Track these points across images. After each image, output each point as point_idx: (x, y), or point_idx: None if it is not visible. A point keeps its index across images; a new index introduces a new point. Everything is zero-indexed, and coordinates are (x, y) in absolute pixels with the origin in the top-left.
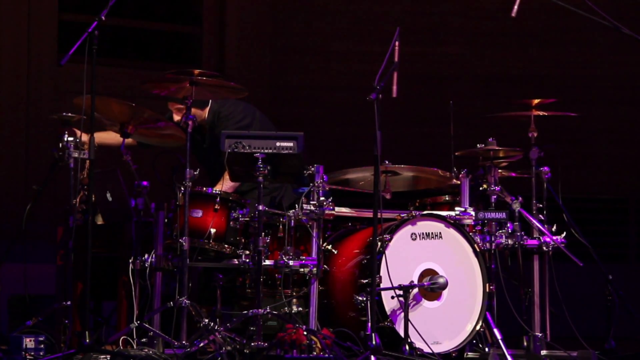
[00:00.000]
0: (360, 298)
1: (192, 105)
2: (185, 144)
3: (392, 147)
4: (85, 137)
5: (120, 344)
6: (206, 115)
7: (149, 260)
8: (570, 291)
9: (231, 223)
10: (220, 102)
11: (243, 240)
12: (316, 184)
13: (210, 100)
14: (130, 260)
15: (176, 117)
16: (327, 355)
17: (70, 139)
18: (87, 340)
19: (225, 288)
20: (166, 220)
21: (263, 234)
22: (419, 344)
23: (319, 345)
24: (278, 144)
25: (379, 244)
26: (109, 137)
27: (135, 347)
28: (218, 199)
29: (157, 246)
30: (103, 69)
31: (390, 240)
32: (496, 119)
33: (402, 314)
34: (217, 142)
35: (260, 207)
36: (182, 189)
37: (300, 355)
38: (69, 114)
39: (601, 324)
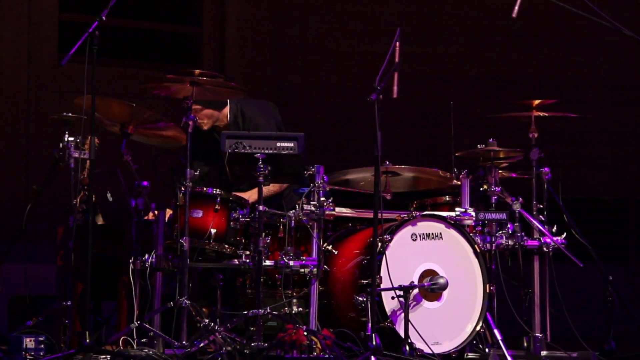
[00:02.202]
0: (360, 298)
1: (210, 107)
2: (186, 144)
3: (392, 147)
4: None
5: (121, 344)
6: (228, 117)
7: (149, 260)
8: (570, 292)
9: (231, 223)
10: (237, 100)
11: (243, 240)
12: (317, 185)
13: (228, 101)
14: (130, 261)
15: (204, 126)
16: (327, 355)
17: (71, 139)
18: (87, 341)
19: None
20: (166, 220)
21: (263, 234)
22: (419, 344)
23: (319, 345)
24: (278, 144)
25: (380, 244)
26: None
27: (135, 347)
28: (218, 199)
29: (158, 246)
30: (103, 69)
31: (390, 240)
32: (497, 119)
33: (403, 315)
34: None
35: (261, 208)
36: (183, 189)
37: (300, 355)
38: (70, 114)
39: (601, 324)
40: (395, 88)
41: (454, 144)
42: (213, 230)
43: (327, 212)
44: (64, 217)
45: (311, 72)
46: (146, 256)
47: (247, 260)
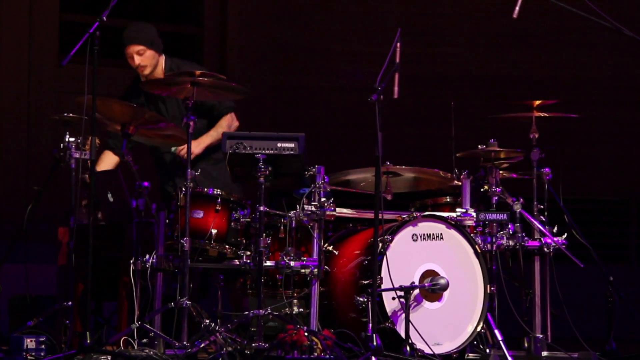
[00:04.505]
0: (361, 299)
1: (152, 48)
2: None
3: (393, 148)
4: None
5: (121, 345)
6: (163, 69)
7: (150, 260)
8: (571, 292)
9: (232, 224)
10: (175, 59)
11: (244, 241)
12: (317, 185)
13: (163, 55)
14: (131, 261)
15: (145, 70)
16: (328, 356)
17: (72, 139)
18: (88, 341)
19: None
20: (167, 220)
21: (264, 234)
22: (419, 345)
23: (319, 346)
24: (279, 144)
25: (380, 244)
26: (107, 162)
27: (136, 347)
28: (219, 200)
29: (158, 247)
30: (104, 69)
31: (391, 241)
32: (497, 120)
33: (403, 315)
34: (185, 109)
35: (262, 208)
36: (183, 189)
37: (301, 356)
38: (70, 115)
39: (602, 325)
40: (396, 88)
41: (455, 144)
42: (214, 231)
43: (327, 213)
44: (64, 217)
45: (311, 72)
46: (147, 257)
47: (248, 261)
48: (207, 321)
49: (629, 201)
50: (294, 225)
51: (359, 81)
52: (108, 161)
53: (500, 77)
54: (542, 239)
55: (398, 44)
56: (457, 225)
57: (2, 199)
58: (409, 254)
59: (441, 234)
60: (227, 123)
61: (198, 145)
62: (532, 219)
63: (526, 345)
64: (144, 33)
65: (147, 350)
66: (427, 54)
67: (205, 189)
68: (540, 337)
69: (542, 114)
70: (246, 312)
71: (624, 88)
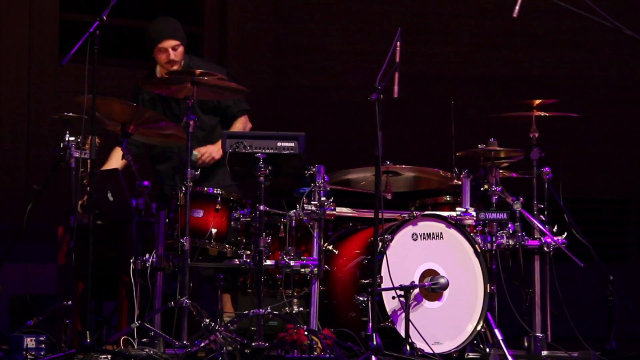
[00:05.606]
0: (361, 298)
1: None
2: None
3: (393, 147)
4: None
5: (121, 344)
6: (182, 63)
7: (150, 260)
8: (571, 292)
9: (232, 223)
10: (194, 57)
11: (244, 240)
12: (317, 184)
13: (184, 55)
14: (131, 260)
15: (175, 65)
16: (328, 355)
17: (72, 138)
18: (88, 340)
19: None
20: (167, 220)
21: (264, 234)
22: (419, 344)
23: (319, 345)
24: (279, 144)
25: (380, 244)
26: (117, 158)
27: (136, 347)
28: (219, 199)
29: (158, 246)
30: (104, 68)
31: (391, 240)
32: (497, 119)
33: (403, 314)
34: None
35: (262, 207)
36: (183, 188)
37: (301, 355)
38: (70, 114)
39: (602, 324)
40: (395, 88)
41: (455, 143)
42: (214, 230)
43: (327, 212)
44: (64, 216)
45: (311, 72)
46: (147, 256)
47: (248, 260)
48: (207, 320)
49: (628, 201)
50: (294, 224)
51: (357, 80)
52: (118, 157)
53: (499, 76)
54: (542, 238)
55: (398, 43)
56: (457, 224)
57: (2, 198)
58: (409, 253)
59: (441, 233)
60: (242, 125)
61: (218, 151)
62: (532, 218)
63: (526, 344)
64: (179, 29)
65: (147, 350)
66: (427, 54)
67: (205, 189)
68: (540, 336)
69: (542, 113)
70: (246, 312)
71: (624, 87)
